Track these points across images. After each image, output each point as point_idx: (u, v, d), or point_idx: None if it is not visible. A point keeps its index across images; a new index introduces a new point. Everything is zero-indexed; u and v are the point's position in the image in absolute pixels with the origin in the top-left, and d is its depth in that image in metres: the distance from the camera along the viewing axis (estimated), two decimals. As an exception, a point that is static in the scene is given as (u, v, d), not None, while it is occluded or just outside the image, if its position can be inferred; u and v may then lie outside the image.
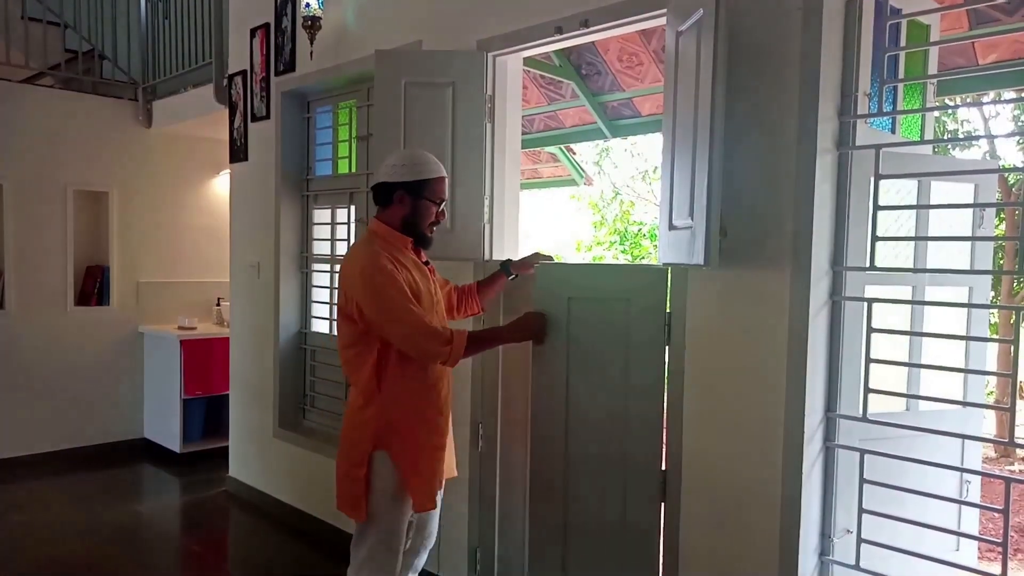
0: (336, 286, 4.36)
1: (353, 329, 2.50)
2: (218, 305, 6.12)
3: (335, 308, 4.37)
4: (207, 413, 5.78)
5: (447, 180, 2.65)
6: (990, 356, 5.80)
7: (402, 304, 2.39)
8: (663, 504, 2.66)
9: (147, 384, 5.96)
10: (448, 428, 2.70)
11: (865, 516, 2.31)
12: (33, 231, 5.53)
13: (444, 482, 2.72)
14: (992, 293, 7.01)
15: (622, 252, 11.78)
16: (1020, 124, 7.86)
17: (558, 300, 2.82)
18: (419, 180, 2.52)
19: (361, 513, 2.52)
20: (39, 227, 5.55)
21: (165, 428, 5.74)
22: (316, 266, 4.53)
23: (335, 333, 4.37)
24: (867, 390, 2.30)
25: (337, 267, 4.36)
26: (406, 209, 2.54)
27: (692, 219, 2.31)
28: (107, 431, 5.83)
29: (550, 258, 2.97)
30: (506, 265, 2.99)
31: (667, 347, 2.63)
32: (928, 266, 2.56)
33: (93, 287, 5.85)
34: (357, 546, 2.60)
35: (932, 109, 2.85)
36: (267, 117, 4.57)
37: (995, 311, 6.97)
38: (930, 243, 2.56)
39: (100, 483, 5.20)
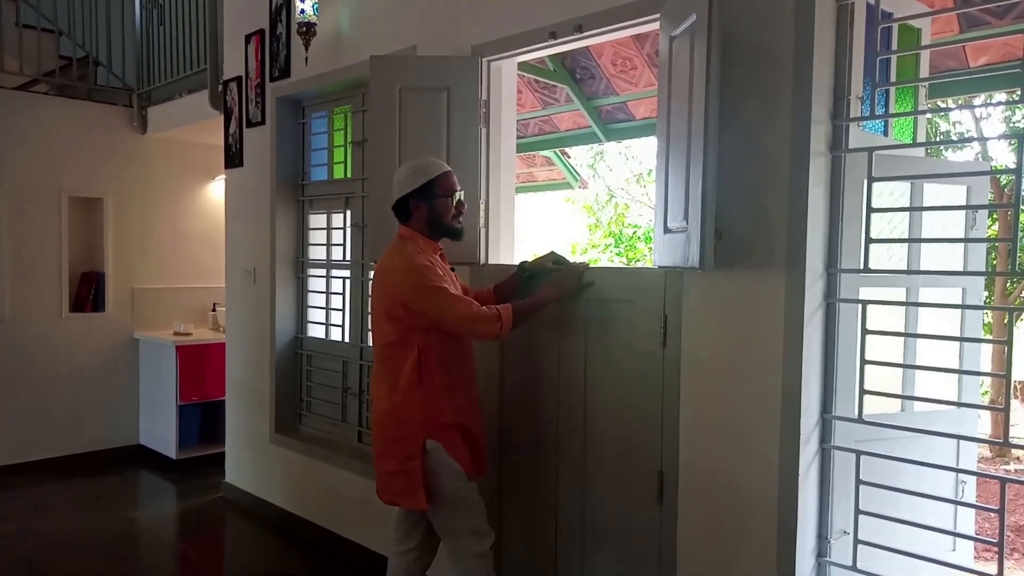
0: (336, 291, 4.37)
1: (395, 327, 2.63)
2: (213, 311, 6.12)
3: (330, 314, 4.37)
4: (203, 419, 5.77)
5: (453, 172, 2.74)
6: (984, 356, 5.82)
7: (448, 294, 2.56)
8: (660, 505, 2.67)
9: (143, 390, 5.95)
10: (480, 422, 2.84)
11: (862, 517, 2.32)
12: (28, 237, 5.52)
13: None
14: (985, 294, 7.03)
15: (617, 255, 11.80)
16: (1011, 126, 7.90)
17: (578, 301, 2.91)
18: (426, 183, 2.65)
19: (421, 500, 2.62)
20: (34, 233, 5.54)
21: (161, 434, 5.73)
22: (312, 271, 4.53)
23: (331, 338, 4.37)
24: (862, 391, 2.32)
25: (333, 272, 4.36)
26: (425, 213, 2.68)
27: (687, 222, 2.32)
28: (102, 437, 5.82)
29: (564, 257, 2.99)
30: (522, 267, 3.00)
31: (663, 349, 2.64)
32: (921, 268, 2.57)
33: (88, 293, 5.84)
34: (449, 532, 2.71)
35: (924, 112, 2.87)
36: (262, 123, 4.58)
37: (989, 312, 6.99)
38: (923, 245, 2.58)
39: (95, 490, 5.19)
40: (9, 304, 5.44)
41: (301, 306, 4.59)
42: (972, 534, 2.77)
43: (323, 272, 4.44)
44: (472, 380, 2.82)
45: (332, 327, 4.36)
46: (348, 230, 4.23)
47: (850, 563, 2.34)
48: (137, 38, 6.15)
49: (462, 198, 2.73)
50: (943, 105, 4.65)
